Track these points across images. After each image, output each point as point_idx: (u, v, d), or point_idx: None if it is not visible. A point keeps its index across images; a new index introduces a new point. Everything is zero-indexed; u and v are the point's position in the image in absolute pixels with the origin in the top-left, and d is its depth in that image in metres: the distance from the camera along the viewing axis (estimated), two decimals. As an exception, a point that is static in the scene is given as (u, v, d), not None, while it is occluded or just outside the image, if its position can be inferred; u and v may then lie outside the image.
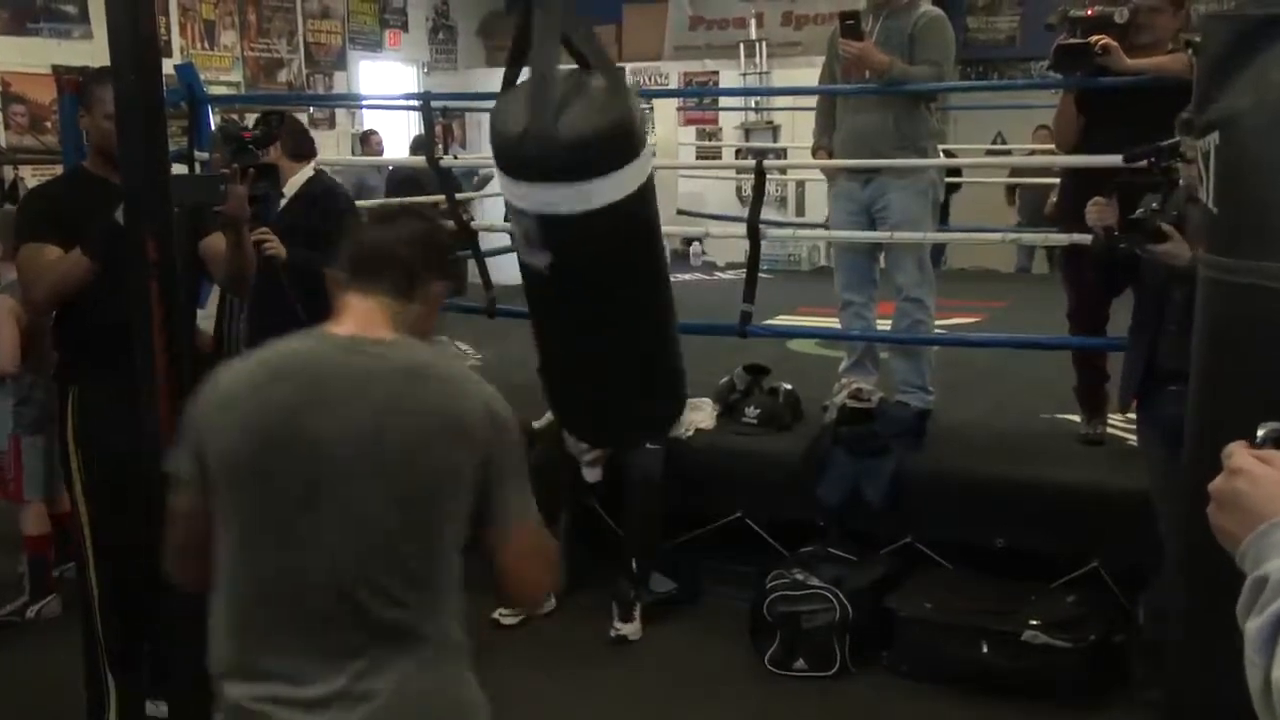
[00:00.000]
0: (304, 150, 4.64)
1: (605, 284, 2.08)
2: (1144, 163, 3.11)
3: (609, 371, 2.19)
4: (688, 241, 10.80)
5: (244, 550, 1.71)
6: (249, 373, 1.77)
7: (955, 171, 7.59)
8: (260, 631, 1.71)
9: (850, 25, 4.48)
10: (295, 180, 4.55)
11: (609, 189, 1.96)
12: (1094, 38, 3.91)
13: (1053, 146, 5.14)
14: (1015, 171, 8.88)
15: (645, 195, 2.06)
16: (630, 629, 4.12)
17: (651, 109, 11.81)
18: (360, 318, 1.78)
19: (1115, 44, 3.91)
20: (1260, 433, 1.20)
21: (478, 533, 1.74)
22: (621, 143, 1.99)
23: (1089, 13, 4.03)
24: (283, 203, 4.49)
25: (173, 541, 1.84)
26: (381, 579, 1.67)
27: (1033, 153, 8.29)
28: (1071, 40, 4.01)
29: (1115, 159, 3.63)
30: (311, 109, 10.39)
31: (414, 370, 1.74)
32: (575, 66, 2.08)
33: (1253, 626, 1.07)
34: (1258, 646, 1.06)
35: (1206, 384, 2.18)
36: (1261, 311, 1.99)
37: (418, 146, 8.77)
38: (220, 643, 1.74)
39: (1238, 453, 1.20)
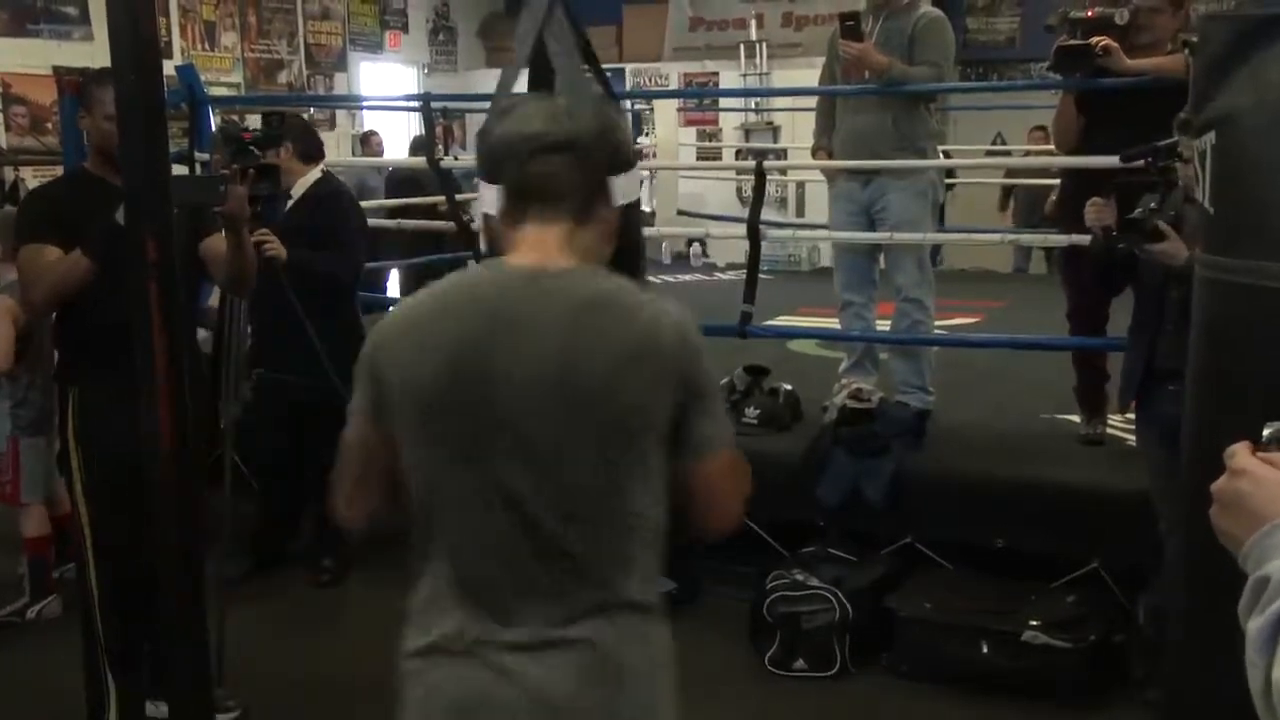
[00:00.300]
0: (313, 152, 4.66)
1: None
2: (1141, 163, 3.12)
3: None
4: (689, 242, 10.82)
5: (436, 485, 1.66)
6: (431, 304, 1.71)
7: (951, 172, 7.59)
8: (461, 565, 1.66)
9: (850, 26, 4.49)
10: (304, 181, 4.57)
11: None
12: (1095, 39, 3.91)
13: (1049, 147, 5.15)
14: (1010, 173, 8.89)
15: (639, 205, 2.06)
16: (631, 629, 4.10)
17: (652, 110, 11.86)
18: (538, 247, 1.69)
19: (1116, 45, 3.91)
20: (1266, 432, 1.20)
21: (672, 465, 1.68)
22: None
23: (1089, 14, 4.04)
24: (289, 203, 4.51)
25: (344, 473, 1.78)
26: (572, 518, 1.62)
27: (1028, 153, 8.29)
28: (1071, 41, 4.02)
29: (1115, 159, 3.64)
30: (312, 110, 10.39)
31: (600, 299, 1.65)
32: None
33: (1254, 627, 1.07)
34: (1258, 647, 1.06)
35: (1204, 383, 2.19)
36: (1258, 310, 1.99)
37: (417, 147, 8.78)
38: (425, 582, 1.70)
39: (1240, 453, 1.19)
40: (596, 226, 1.73)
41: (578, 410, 1.60)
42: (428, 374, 1.63)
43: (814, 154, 5.09)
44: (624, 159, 1.82)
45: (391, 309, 1.76)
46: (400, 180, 8.16)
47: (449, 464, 1.65)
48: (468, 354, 1.62)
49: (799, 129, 10.44)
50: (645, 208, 11.49)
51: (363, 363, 1.74)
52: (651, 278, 4.78)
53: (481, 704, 1.63)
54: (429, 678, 1.67)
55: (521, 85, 2.09)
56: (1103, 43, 3.91)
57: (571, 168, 1.71)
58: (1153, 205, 2.98)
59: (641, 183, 10.60)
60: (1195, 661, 2.28)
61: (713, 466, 1.71)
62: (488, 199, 1.79)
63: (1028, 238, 6.29)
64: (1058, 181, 5.46)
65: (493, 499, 1.62)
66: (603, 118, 1.80)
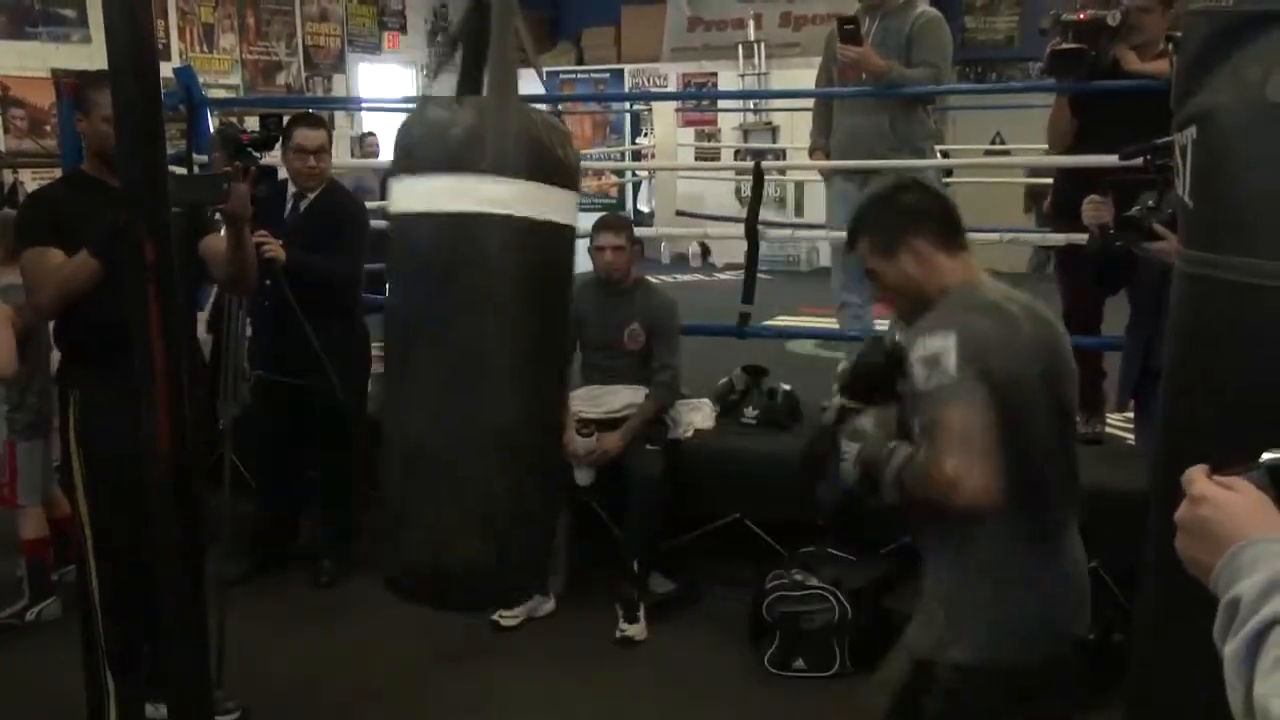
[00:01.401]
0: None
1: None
2: (1140, 161, 3.12)
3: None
4: (689, 243, 10.83)
5: (1022, 471, 2.05)
6: (1012, 312, 2.13)
7: (949, 172, 7.57)
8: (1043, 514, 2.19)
9: (849, 30, 4.49)
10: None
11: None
12: (1112, 54, 3.97)
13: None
14: (1034, 172, 8.84)
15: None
16: (635, 630, 4.12)
17: (650, 110, 11.86)
18: (978, 271, 2.23)
19: (1128, 53, 3.96)
20: (1267, 456, 1.18)
21: None
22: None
23: (1081, 17, 4.05)
24: (304, 204, 4.52)
25: (986, 454, 2.01)
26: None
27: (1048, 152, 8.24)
28: (1065, 45, 4.03)
29: (1111, 159, 3.64)
30: (310, 112, 10.39)
31: (1042, 310, 2.21)
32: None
33: (1230, 650, 1.07)
34: (1236, 668, 1.05)
35: (1180, 379, 2.18)
36: (1236, 306, 1.99)
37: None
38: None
39: (1198, 480, 1.19)
40: None
41: (1069, 405, 2.29)
42: (1027, 372, 2.13)
43: (811, 154, 5.09)
44: (551, 169, 1.78)
45: (984, 310, 2.17)
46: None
47: (1029, 453, 2.13)
48: (1048, 358, 2.19)
49: (798, 129, 10.44)
50: (645, 208, 11.51)
51: (969, 353, 2.05)
52: (651, 278, 4.80)
53: None
54: None
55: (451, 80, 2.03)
56: (1113, 55, 3.96)
57: (946, 202, 2.40)
58: (1150, 203, 2.98)
59: (640, 185, 10.52)
60: (1164, 667, 2.27)
61: None
62: (401, 195, 1.75)
63: (1027, 236, 6.28)
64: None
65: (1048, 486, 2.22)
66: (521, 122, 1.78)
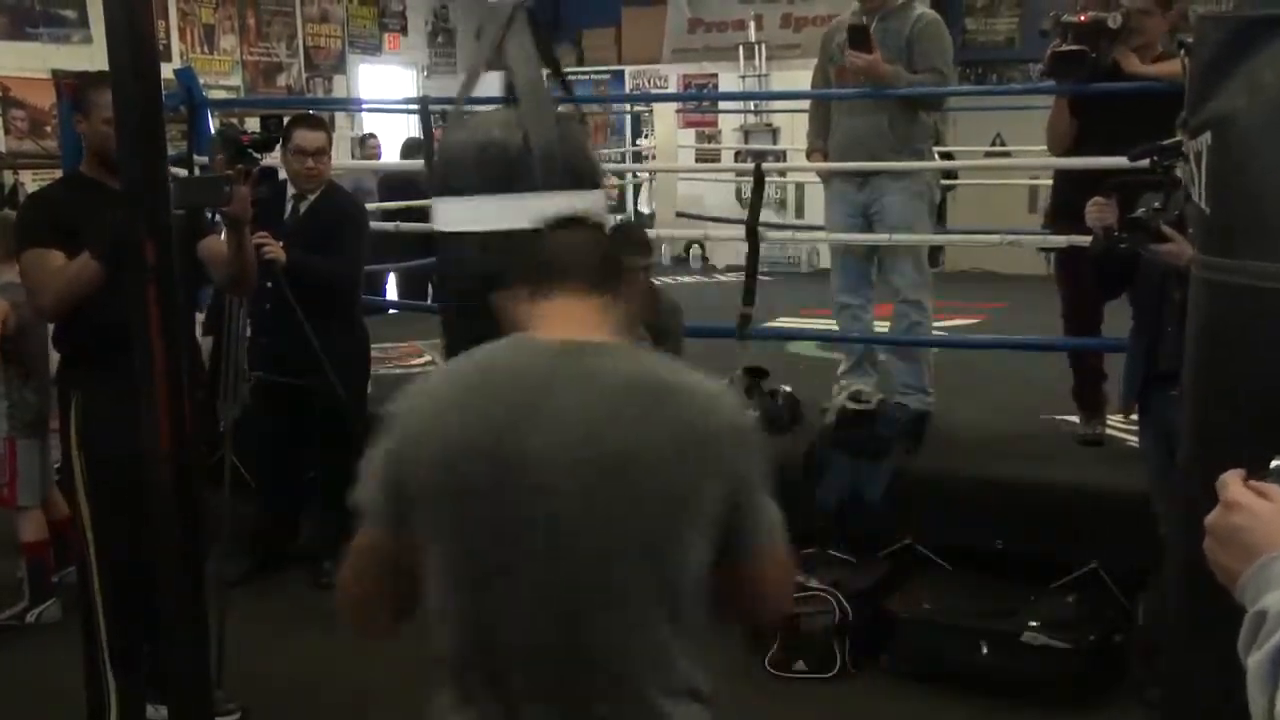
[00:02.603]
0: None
1: None
2: (1146, 162, 3.12)
3: None
4: (688, 244, 10.82)
5: (448, 586, 1.54)
6: (450, 386, 1.60)
7: (951, 173, 7.58)
8: (472, 674, 1.55)
9: (859, 36, 4.47)
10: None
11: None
12: (1112, 56, 3.97)
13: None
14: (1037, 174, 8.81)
15: None
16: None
17: (651, 111, 11.86)
18: (568, 320, 1.58)
19: (1130, 55, 3.96)
20: (1275, 463, 1.16)
21: (719, 564, 1.52)
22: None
23: (1081, 19, 4.05)
24: (304, 205, 4.52)
25: (352, 585, 1.66)
26: (599, 620, 1.48)
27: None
28: (1065, 47, 4.03)
29: (1114, 161, 3.64)
30: (310, 113, 10.39)
31: (642, 380, 1.53)
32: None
33: (1253, 662, 1.04)
34: (1259, 682, 1.03)
35: (1200, 384, 2.19)
36: (1254, 311, 1.99)
37: (409, 149, 8.78)
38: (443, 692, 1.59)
39: (1232, 485, 1.16)
40: (628, 298, 1.66)
41: (607, 499, 1.46)
42: (443, 464, 1.50)
43: (809, 156, 5.09)
44: (585, 175, 1.81)
45: (411, 394, 1.61)
46: (394, 183, 8.16)
47: (461, 563, 1.52)
48: (487, 440, 1.49)
49: (798, 131, 10.42)
50: (644, 209, 11.51)
51: (381, 459, 1.58)
52: (654, 280, 4.78)
53: None
54: None
55: (485, 89, 2.08)
56: (1113, 58, 3.95)
57: (595, 239, 1.67)
58: (1156, 205, 2.97)
59: (640, 186, 10.52)
60: (1193, 666, 2.27)
61: (762, 562, 1.58)
62: (444, 216, 1.77)
63: (1028, 238, 6.27)
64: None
65: (499, 603, 1.50)
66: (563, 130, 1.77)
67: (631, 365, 1.56)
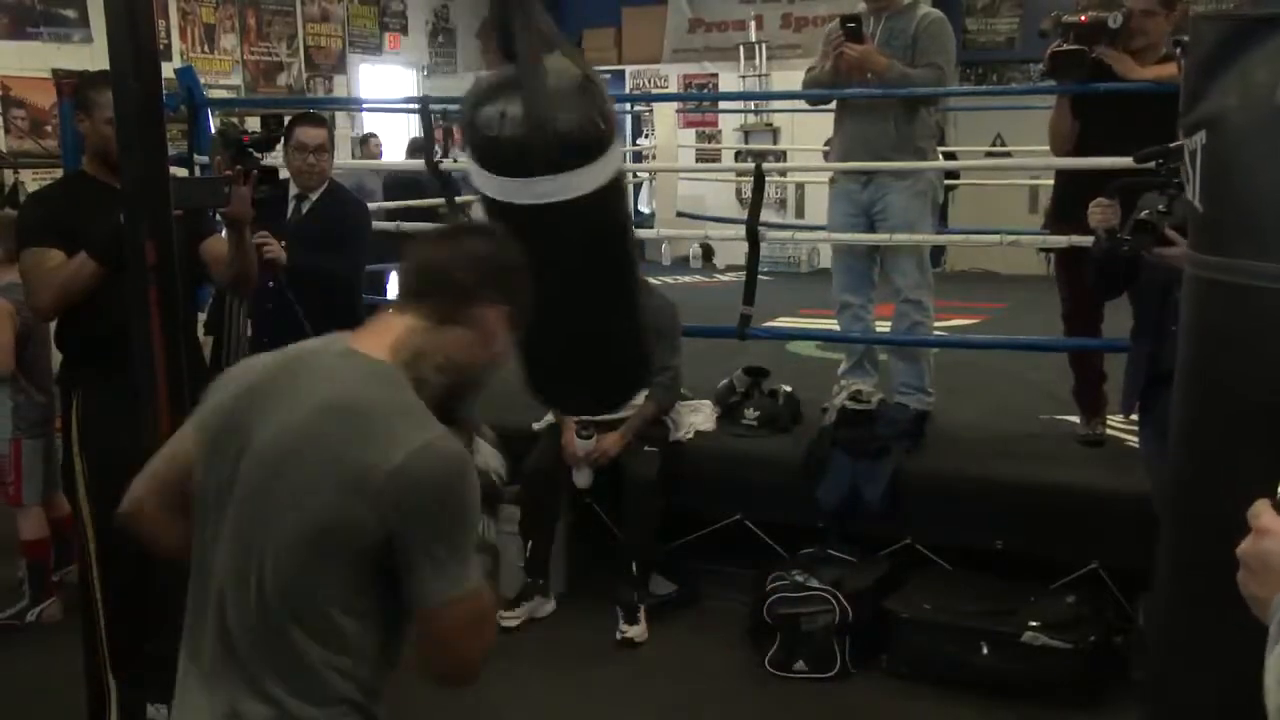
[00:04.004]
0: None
1: (578, 268, 2.13)
2: (1152, 164, 3.11)
3: (576, 347, 2.25)
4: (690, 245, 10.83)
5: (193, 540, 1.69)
6: (259, 364, 1.73)
7: (952, 173, 7.57)
8: (188, 625, 1.68)
9: (852, 28, 4.49)
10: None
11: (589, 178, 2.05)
12: (1105, 57, 3.95)
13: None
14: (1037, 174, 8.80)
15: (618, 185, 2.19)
16: (636, 631, 4.12)
17: (651, 111, 11.86)
18: (377, 333, 1.67)
19: (1121, 55, 3.95)
20: None
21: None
22: (600, 132, 2.08)
23: (1082, 19, 4.04)
24: (307, 205, 4.52)
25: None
26: (231, 601, 1.59)
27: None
28: (1066, 47, 4.03)
29: (1115, 161, 3.64)
30: (312, 111, 10.39)
31: (348, 403, 1.58)
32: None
33: (1273, 660, 1.05)
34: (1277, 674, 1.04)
35: (1191, 382, 2.18)
36: (1246, 310, 2.00)
37: (414, 149, 8.77)
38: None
39: (1265, 513, 1.14)
40: (467, 329, 1.67)
41: (282, 510, 1.55)
42: (208, 429, 1.67)
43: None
44: (595, 138, 1.86)
45: (242, 362, 1.81)
46: (398, 182, 8.16)
47: (200, 520, 1.66)
48: (223, 419, 1.65)
49: (798, 130, 10.45)
50: (644, 209, 11.51)
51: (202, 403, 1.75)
52: (651, 279, 4.79)
53: None
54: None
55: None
56: (1107, 57, 3.95)
57: (453, 262, 1.69)
58: (1161, 207, 2.97)
59: (640, 186, 10.50)
60: (1179, 663, 2.27)
61: (436, 619, 1.57)
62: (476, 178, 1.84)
63: (1029, 238, 6.27)
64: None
65: (206, 566, 1.64)
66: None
67: (352, 387, 1.61)
